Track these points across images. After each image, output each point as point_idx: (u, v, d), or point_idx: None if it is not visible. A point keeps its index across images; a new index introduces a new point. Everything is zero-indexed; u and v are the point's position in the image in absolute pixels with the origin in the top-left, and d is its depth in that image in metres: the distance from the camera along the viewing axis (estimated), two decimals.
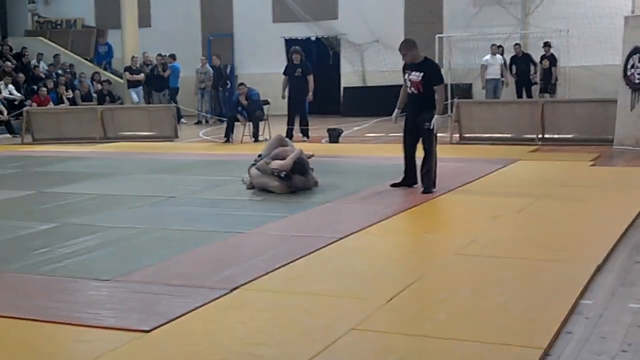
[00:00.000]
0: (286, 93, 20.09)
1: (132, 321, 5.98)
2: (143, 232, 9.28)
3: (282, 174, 11.58)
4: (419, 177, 11.61)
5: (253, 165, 12.07)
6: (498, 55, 24.78)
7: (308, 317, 6.05)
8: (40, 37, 30.90)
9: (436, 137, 11.53)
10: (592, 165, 14.26)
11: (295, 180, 11.70)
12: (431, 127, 11.26)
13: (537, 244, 8.34)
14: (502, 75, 24.67)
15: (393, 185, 11.77)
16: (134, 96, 26.46)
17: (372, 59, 28.59)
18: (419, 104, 11.43)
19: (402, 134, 11.93)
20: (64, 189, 12.69)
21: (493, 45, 24.95)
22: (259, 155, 12.26)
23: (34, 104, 24.00)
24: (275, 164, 11.71)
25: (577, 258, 7.68)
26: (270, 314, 6.16)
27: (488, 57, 24.80)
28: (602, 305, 6.26)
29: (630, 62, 16.37)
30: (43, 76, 26.83)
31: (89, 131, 21.58)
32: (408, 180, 11.70)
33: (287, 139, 13.30)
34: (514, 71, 24.87)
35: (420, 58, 11.61)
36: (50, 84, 25.88)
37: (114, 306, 6.43)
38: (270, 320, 6.02)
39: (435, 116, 11.26)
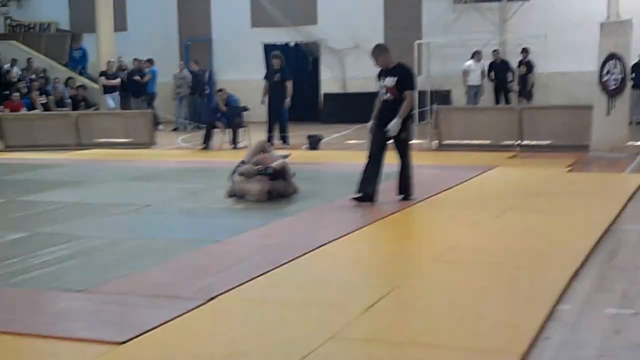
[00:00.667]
0: (265, 99, 20.09)
1: (105, 333, 5.92)
2: (117, 241, 9.20)
3: (270, 170, 11.64)
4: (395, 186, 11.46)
5: (235, 172, 12.07)
6: (481, 62, 24.89)
7: (287, 327, 6.06)
8: (13, 41, 30.59)
9: (410, 144, 11.44)
10: (569, 171, 14.39)
11: (277, 184, 11.72)
12: (387, 131, 10.98)
13: (515, 250, 8.40)
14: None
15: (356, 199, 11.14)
16: (110, 102, 26.23)
17: (352, 65, 28.54)
18: (395, 110, 11.10)
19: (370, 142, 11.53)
20: (37, 197, 12.57)
21: (476, 51, 25.04)
22: (242, 162, 12.25)
23: (7, 110, 23.75)
24: (258, 169, 11.76)
25: (554, 264, 7.75)
26: (249, 324, 6.15)
27: (471, 63, 24.88)
28: (579, 311, 6.33)
29: (606, 69, 16.50)
30: (16, 81, 26.58)
31: (63, 138, 21.26)
32: (370, 193, 11.10)
33: (269, 145, 13.31)
34: (492, 77, 24.98)
35: (394, 63, 11.37)
36: (24, 89, 25.65)
37: (87, 318, 6.37)
38: (249, 330, 6.01)
39: (395, 120, 10.96)
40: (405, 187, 11.37)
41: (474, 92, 24.73)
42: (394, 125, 10.98)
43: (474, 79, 24.75)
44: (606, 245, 8.65)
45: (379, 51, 11.46)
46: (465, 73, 24.78)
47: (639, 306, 6.42)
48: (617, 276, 7.40)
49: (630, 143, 16.86)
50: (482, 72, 24.78)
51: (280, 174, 11.82)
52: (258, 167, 11.77)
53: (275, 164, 11.85)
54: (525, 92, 24.79)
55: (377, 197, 11.07)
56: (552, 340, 5.70)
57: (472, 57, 24.98)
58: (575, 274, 7.33)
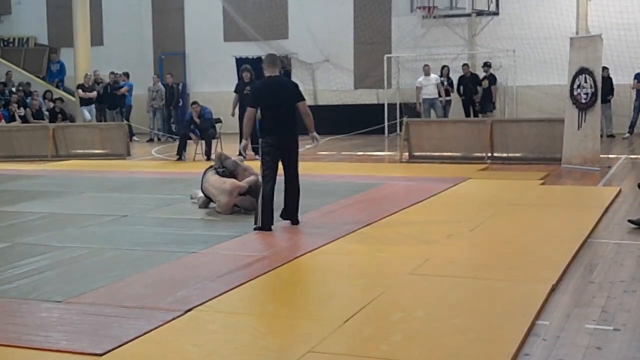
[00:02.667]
0: (236, 111, 19.97)
1: (84, 344, 5.82)
2: (95, 252, 9.07)
3: (220, 170, 11.66)
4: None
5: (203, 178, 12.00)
6: (432, 75, 24.98)
7: (263, 340, 5.92)
8: None
9: (263, 167, 10.39)
10: (542, 184, 14.22)
11: (244, 200, 11.57)
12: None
13: (491, 264, 8.23)
14: (439, 95, 24.79)
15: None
16: (86, 114, 26.11)
17: (323, 78, 28.55)
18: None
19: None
20: (15, 208, 12.44)
21: (425, 66, 25.23)
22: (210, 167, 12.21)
23: None
24: (230, 182, 11.62)
25: (532, 278, 7.58)
26: (225, 336, 6.01)
27: (421, 78, 24.96)
28: (558, 327, 6.16)
29: (577, 83, 16.40)
30: None
31: (41, 149, 21.33)
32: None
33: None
34: (461, 91, 25.01)
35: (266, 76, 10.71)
36: (2, 102, 25.44)
37: (66, 328, 6.26)
38: (225, 342, 5.87)
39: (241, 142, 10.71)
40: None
41: (428, 105, 24.78)
42: (241, 148, 10.79)
43: (428, 92, 24.78)
44: (583, 258, 8.52)
45: (263, 62, 10.83)
46: (418, 88, 24.79)
47: (618, 322, 6.27)
48: (596, 291, 7.24)
49: (602, 156, 16.77)
50: (437, 85, 24.79)
51: (251, 191, 11.65)
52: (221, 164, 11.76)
53: (244, 183, 11.68)
54: (489, 105, 24.70)
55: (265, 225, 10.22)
56: (532, 357, 5.54)
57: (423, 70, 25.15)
58: (554, 288, 7.19)
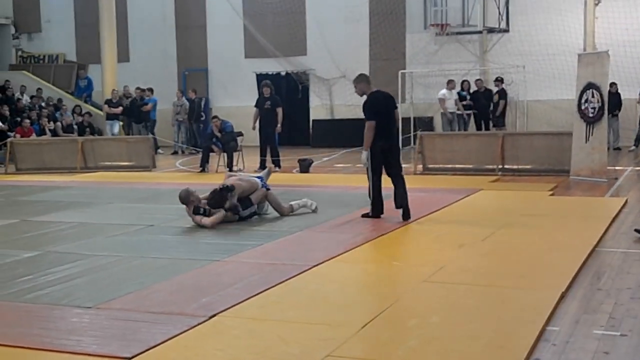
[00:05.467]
0: (256, 125, 20.05)
1: (113, 348, 5.87)
2: (123, 260, 9.12)
3: (201, 210, 11.56)
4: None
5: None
6: (454, 90, 24.93)
7: (284, 345, 5.92)
8: (24, 71, 30.67)
9: (372, 166, 11.55)
10: (551, 194, 14.19)
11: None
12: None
13: (502, 272, 8.24)
14: (458, 109, 24.80)
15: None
16: (112, 129, 26.28)
17: (339, 93, 28.59)
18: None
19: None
20: (46, 218, 12.51)
21: (449, 80, 25.14)
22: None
23: (18, 135, 23.71)
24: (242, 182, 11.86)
25: (542, 285, 7.59)
26: (247, 342, 6.03)
27: (444, 91, 24.90)
28: (567, 332, 6.16)
29: (584, 97, 16.37)
30: (27, 108, 26.53)
31: (70, 161, 21.44)
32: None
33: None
34: (474, 105, 25.00)
35: (369, 92, 11.80)
36: (34, 116, 25.61)
37: (96, 333, 6.31)
38: (247, 347, 5.89)
39: (362, 152, 11.60)
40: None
41: (456, 118, 24.71)
42: (361, 157, 11.69)
43: (450, 106, 24.80)
44: (591, 266, 8.51)
45: (354, 80, 12.06)
46: (442, 100, 24.76)
47: (625, 328, 6.27)
48: (603, 298, 7.23)
49: (609, 168, 16.74)
50: (456, 100, 24.80)
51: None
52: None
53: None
54: (498, 119, 24.62)
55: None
56: None
57: (447, 85, 25.14)
58: (563, 295, 7.19)
